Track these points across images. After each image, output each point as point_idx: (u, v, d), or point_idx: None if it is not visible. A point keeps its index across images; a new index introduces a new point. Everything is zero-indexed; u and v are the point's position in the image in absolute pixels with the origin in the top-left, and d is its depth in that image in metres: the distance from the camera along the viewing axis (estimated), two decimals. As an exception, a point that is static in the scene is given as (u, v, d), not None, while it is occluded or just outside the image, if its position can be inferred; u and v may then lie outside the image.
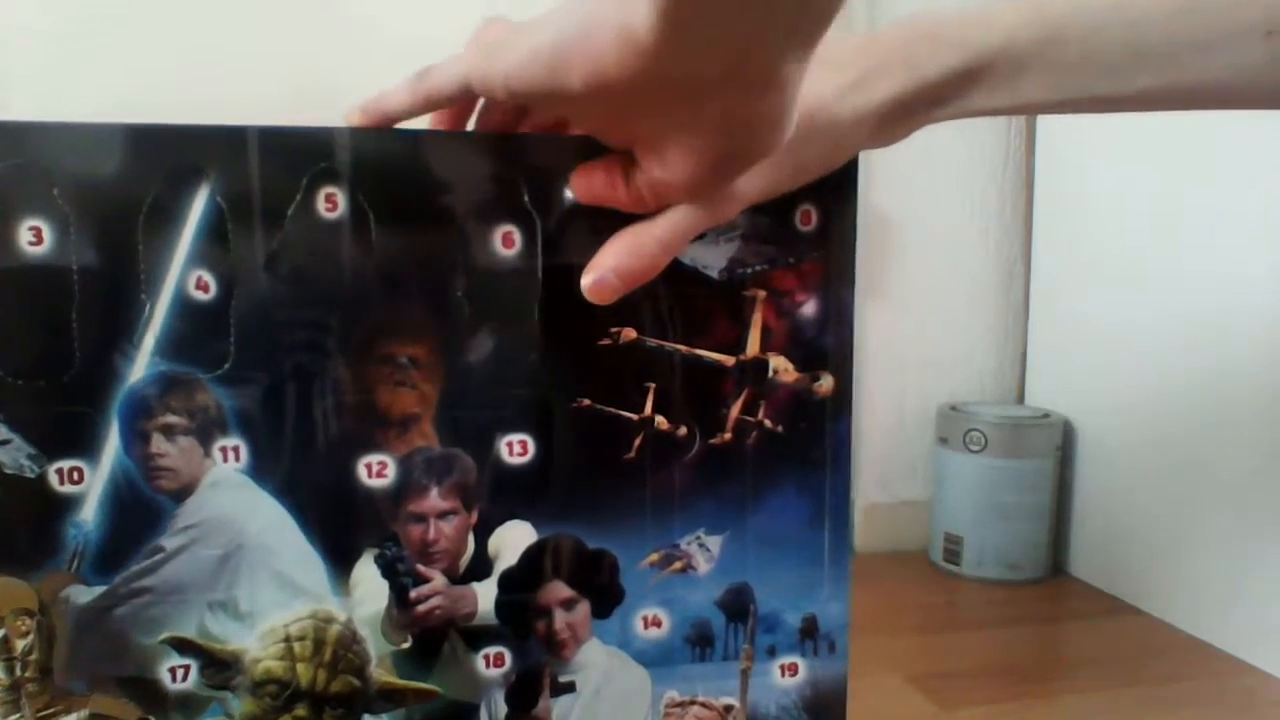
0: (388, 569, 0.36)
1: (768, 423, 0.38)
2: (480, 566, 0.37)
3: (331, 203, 0.34)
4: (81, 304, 0.33)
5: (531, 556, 0.37)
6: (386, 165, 0.34)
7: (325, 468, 0.35)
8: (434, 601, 0.37)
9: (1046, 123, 0.93)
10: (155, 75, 0.74)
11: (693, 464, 0.38)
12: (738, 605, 0.39)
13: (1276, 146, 0.66)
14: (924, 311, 0.97)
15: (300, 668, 0.35)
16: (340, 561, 0.36)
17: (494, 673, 0.38)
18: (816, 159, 0.36)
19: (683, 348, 0.38)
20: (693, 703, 0.39)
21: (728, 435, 0.38)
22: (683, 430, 0.38)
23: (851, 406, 0.39)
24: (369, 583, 0.36)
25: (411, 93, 0.37)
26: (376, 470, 0.36)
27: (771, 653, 0.40)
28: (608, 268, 0.33)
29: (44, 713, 0.35)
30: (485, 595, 0.37)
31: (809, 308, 0.38)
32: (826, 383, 0.39)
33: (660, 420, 0.38)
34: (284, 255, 0.34)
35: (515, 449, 0.37)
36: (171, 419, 0.34)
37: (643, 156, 0.32)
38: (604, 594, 0.38)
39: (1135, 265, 0.80)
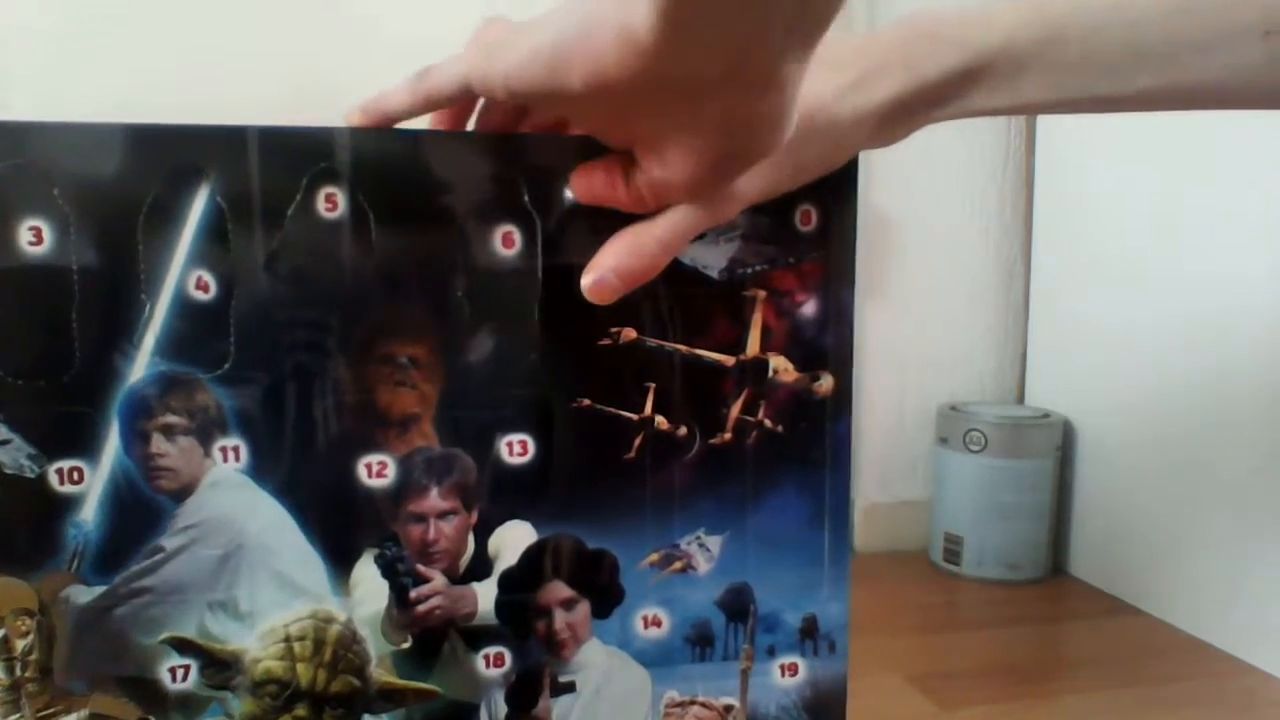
0: (388, 569, 0.36)
1: (768, 423, 0.38)
2: (480, 566, 0.37)
3: (331, 203, 0.34)
4: (81, 304, 0.33)
5: (531, 556, 0.37)
6: (386, 165, 0.34)
7: (325, 468, 0.35)
8: (434, 601, 0.37)
9: (1046, 123, 0.93)
10: (155, 75, 0.74)
11: (693, 464, 0.38)
12: (738, 605, 0.39)
13: (1276, 146, 0.66)
14: (924, 311, 0.97)
15: (300, 668, 0.35)
16: (340, 561, 0.36)
17: (494, 673, 0.38)
18: (816, 159, 0.36)
19: (683, 348, 0.38)
20: (693, 703, 0.39)
21: (728, 435, 0.38)
22: (683, 430, 0.38)
23: (851, 406, 0.39)
24: (369, 583, 0.36)
25: (411, 93, 0.37)
26: (376, 470, 0.36)
27: (771, 653, 0.40)
28: (608, 268, 0.33)
29: (44, 713, 0.35)
30: (485, 595, 0.37)
31: (809, 308, 0.38)
32: (826, 383, 0.39)
33: (660, 420, 0.38)
34: (284, 255, 0.34)
35: (515, 449, 0.37)
36: (171, 419, 0.34)
37: (643, 156, 0.32)
38: (604, 594, 0.38)
39: (1135, 265, 0.80)
